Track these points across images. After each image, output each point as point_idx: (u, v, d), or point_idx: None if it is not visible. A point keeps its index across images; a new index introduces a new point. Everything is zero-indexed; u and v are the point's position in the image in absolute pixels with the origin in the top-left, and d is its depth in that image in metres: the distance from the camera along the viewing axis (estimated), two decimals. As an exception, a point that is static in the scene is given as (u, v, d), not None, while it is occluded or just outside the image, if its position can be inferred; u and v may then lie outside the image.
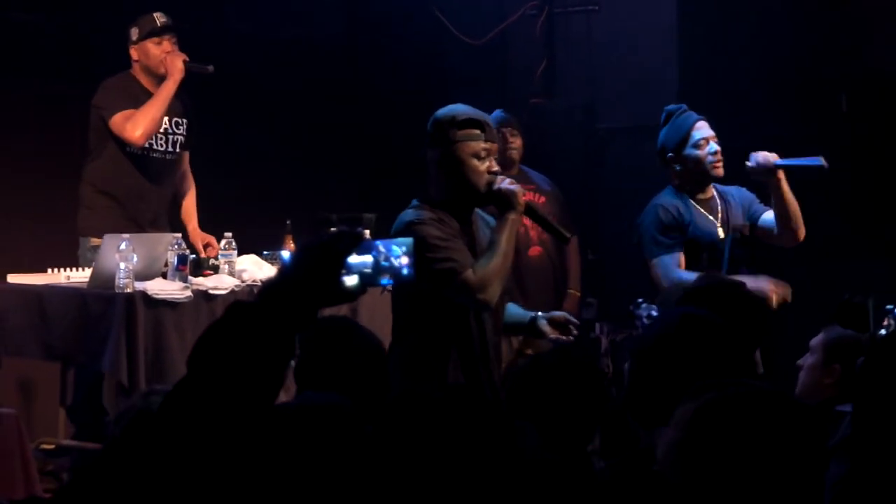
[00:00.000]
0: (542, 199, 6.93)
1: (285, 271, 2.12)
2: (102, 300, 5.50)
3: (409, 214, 4.44)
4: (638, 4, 8.04)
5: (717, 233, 5.58)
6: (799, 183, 5.56)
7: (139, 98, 6.25)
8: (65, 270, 5.93)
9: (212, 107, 7.47)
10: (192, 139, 6.55)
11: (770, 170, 5.43)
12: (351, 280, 2.10)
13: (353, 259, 2.11)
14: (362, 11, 8.57)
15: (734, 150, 5.69)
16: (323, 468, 2.42)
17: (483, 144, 4.42)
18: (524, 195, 4.46)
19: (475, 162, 4.40)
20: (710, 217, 5.58)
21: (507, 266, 4.40)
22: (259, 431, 2.07)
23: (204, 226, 6.55)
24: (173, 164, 6.50)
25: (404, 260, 2.15)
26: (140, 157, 6.30)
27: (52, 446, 5.70)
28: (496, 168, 4.44)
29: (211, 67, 6.32)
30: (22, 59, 7.00)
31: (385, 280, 2.15)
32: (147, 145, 6.26)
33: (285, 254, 6.12)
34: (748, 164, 5.48)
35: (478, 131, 4.44)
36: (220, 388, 2.00)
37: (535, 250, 6.83)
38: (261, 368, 2.03)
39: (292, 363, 2.89)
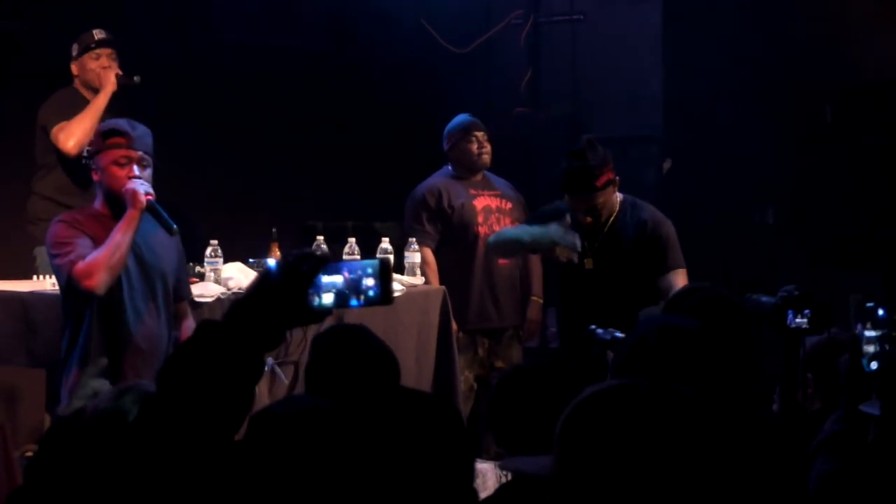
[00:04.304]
0: (509, 204, 6.88)
1: (252, 291, 2.12)
2: (88, 307, 5.48)
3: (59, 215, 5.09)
4: (623, 14, 8.06)
5: None
6: (790, 191, 5.57)
7: (80, 110, 6.38)
8: (50, 277, 5.92)
9: (198, 115, 7.48)
10: None
11: None
12: (319, 300, 2.12)
13: (323, 280, 2.13)
14: (349, 20, 8.57)
15: (719, 159, 5.71)
16: (306, 471, 2.43)
17: (122, 152, 4.91)
18: (146, 195, 4.84)
19: (115, 168, 4.91)
20: None
21: (117, 256, 4.80)
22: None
23: (189, 233, 6.54)
24: None
25: (370, 282, 2.17)
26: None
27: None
28: (135, 174, 4.88)
29: (137, 78, 6.50)
30: (8, 67, 7.03)
31: (354, 301, 2.17)
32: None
33: (271, 262, 6.10)
34: None
35: (121, 140, 4.92)
36: (189, 407, 2.02)
37: (503, 260, 6.80)
38: (229, 387, 2.04)
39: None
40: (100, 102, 6.38)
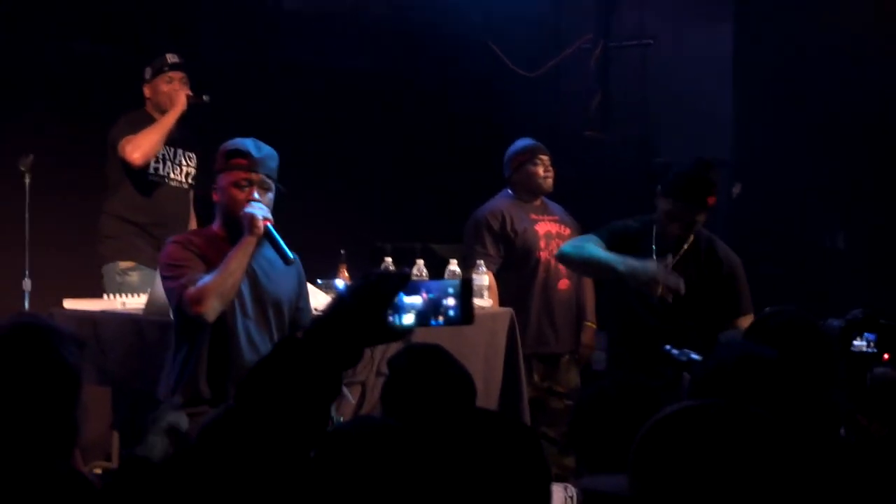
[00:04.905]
0: (568, 230, 6.80)
1: (332, 309, 2.14)
2: (158, 327, 5.52)
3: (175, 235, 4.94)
4: (693, 38, 8.05)
5: None
6: (861, 216, 5.50)
7: None
8: (120, 296, 5.98)
9: (266, 136, 7.51)
10: (202, 180, 6.67)
11: None
12: (401, 320, 2.14)
13: (404, 299, 2.14)
14: (418, 43, 8.60)
15: (789, 183, 5.66)
16: (378, 491, 2.43)
17: (243, 174, 4.75)
18: (263, 221, 4.66)
19: (234, 190, 4.74)
20: None
21: (229, 283, 4.63)
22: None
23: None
24: (189, 193, 6.75)
25: (451, 301, 2.18)
26: (159, 185, 6.57)
27: (106, 471, 5.72)
28: (255, 197, 4.71)
29: (207, 97, 6.60)
30: (85, 89, 7.13)
31: (435, 321, 2.18)
32: (164, 174, 6.57)
33: (339, 283, 6.13)
34: None
35: (243, 162, 4.77)
36: (266, 421, 2.04)
37: (563, 283, 6.75)
38: (306, 403, 2.07)
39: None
40: (169, 119, 6.47)
